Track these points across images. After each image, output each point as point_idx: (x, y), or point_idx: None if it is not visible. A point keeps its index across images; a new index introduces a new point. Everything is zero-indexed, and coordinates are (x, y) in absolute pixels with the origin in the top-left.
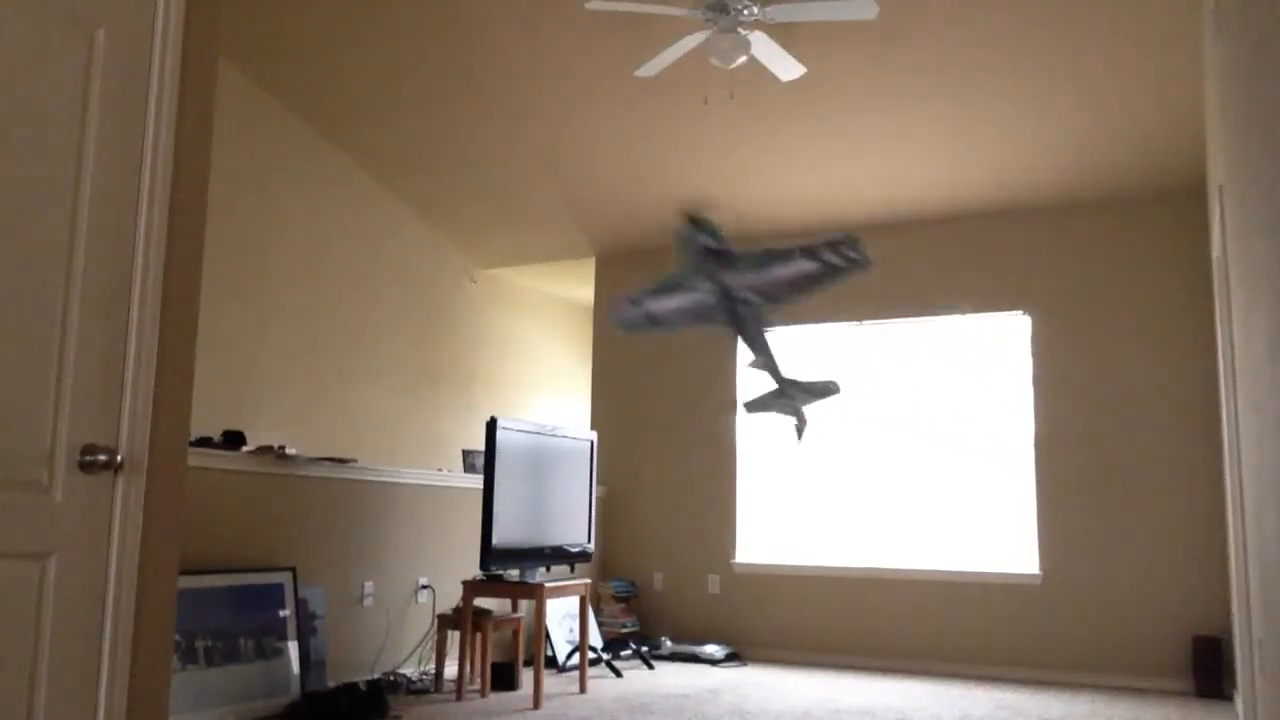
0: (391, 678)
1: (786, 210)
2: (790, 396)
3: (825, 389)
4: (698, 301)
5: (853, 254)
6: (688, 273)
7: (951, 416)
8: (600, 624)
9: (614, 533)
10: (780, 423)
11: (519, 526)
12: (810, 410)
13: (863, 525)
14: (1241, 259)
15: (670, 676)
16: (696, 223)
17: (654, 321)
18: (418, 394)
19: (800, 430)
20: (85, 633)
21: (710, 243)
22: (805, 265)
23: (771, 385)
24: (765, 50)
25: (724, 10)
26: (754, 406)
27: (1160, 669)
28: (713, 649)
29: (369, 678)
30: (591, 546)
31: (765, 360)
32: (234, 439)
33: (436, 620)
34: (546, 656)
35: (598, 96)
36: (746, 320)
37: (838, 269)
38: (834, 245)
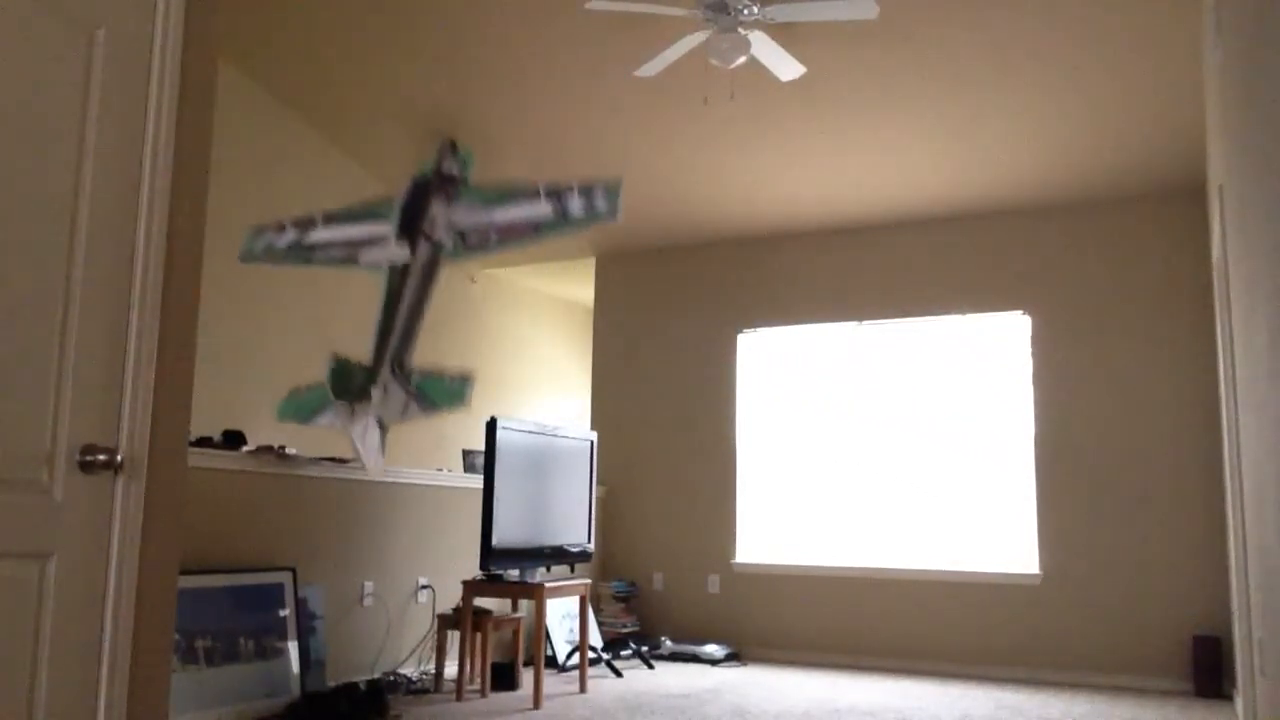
0: (391, 678)
1: (787, 210)
2: (389, 393)
3: (458, 393)
4: (371, 234)
5: (602, 204)
6: (384, 204)
7: (951, 416)
8: (600, 624)
9: (614, 533)
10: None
11: (519, 526)
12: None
13: (862, 525)
14: (1241, 259)
15: (670, 676)
16: (454, 148)
17: (299, 252)
18: None
19: (372, 440)
20: (85, 633)
21: (453, 170)
22: (540, 209)
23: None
24: (765, 50)
25: (724, 10)
26: (294, 405)
27: (1160, 669)
28: (713, 649)
29: (369, 678)
30: (591, 546)
31: (407, 320)
32: (234, 439)
33: (436, 620)
34: (546, 656)
35: (598, 96)
36: (418, 263)
37: (575, 221)
38: (587, 191)
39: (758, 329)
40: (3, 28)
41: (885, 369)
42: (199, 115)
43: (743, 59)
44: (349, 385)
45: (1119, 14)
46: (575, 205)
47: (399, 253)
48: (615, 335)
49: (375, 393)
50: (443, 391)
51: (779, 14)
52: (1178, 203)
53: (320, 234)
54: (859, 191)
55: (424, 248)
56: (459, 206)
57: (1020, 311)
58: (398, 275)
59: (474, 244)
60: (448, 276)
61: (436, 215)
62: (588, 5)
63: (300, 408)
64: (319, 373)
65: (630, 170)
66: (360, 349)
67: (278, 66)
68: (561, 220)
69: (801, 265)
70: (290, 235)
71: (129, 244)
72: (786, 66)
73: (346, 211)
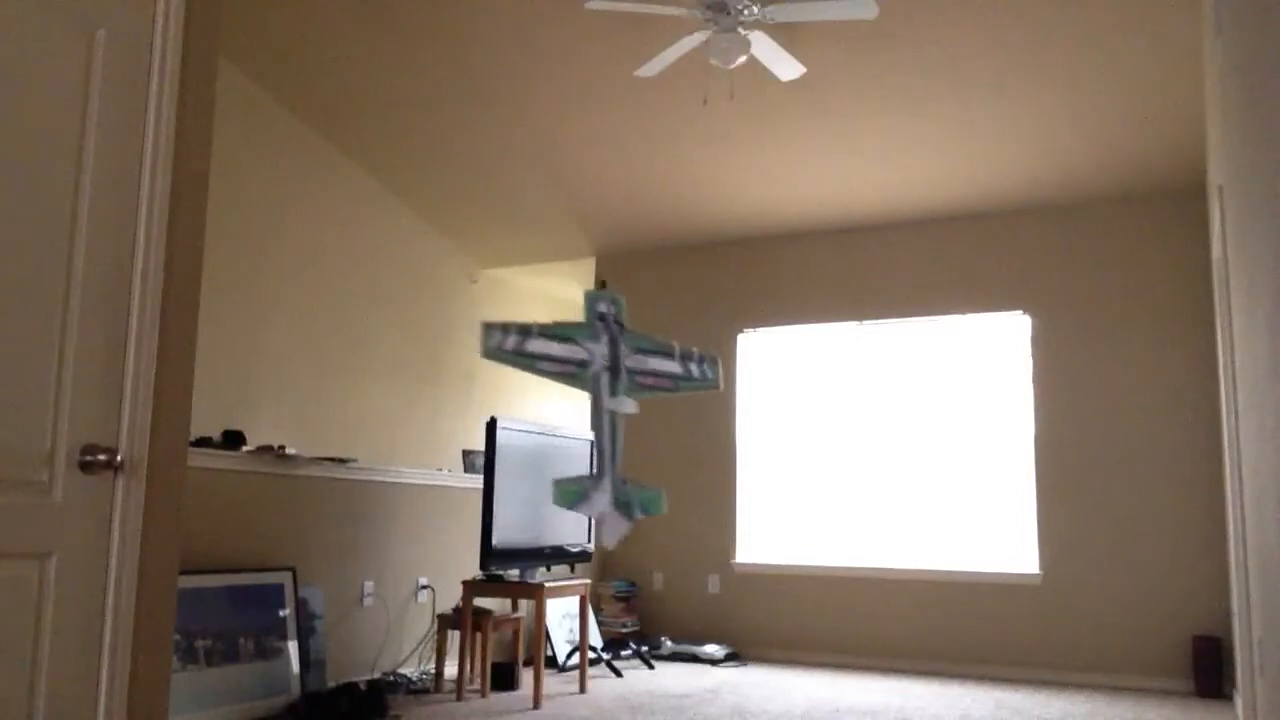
0: (391, 678)
1: (786, 210)
2: (615, 496)
3: (655, 501)
4: (573, 355)
5: (710, 373)
6: (584, 329)
7: (951, 416)
8: (600, 624)
9: None
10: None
11: (519, 526)
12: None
13: (863, 525)
14: (1241, 259)
15: (670, 676)
16: (604, 288)
17: (520, 357)
18: (418, 394)
19: (611, 534)
20: (85, 633)
21: (611, 311)
22: (670, 365)
23: (589, 472)
24: (765, 50)
25: (724, 10)
26: (563, 493)
27: (1160, 669)
28: (713, 649)
29: (369, 678)
30: (591, 546)
31: (612, 441)
32: (234, 439)
33: (436, 620)
34: (546, 656)
35: (598, 97)
36: (618, 389)
37: (692, 380)
38: (700, 360)
39: (758, 329)
40: (3, 28)
41: (885, 369)
42: (199, 115)
43: (743, 59)
44: (584, 487)
45: (1119, 14)
46: (693, 369)
47: (598, 379)
48: None
49: (606, 489)
50: (649, 499)
51: (779, 14)
52: (1178, 203)
53: (535, 344)
54: (859, 191)
55: (624, 378)
56: (627, 348)
57: (1020, 311)
58: (606, 394)
59: (641, 384)
60: (448, 276)
61: (620, 351)
62: (588, 5)
63: (565, 496)
64: (319, 372)
65: (630, 170)
66: (358, 349)
67: (278, 66)
68: (686, 379)
69: (801, 265)
70: (513, 340)
71: (129, 244)
72: (786, 66)
73: (549, 330)
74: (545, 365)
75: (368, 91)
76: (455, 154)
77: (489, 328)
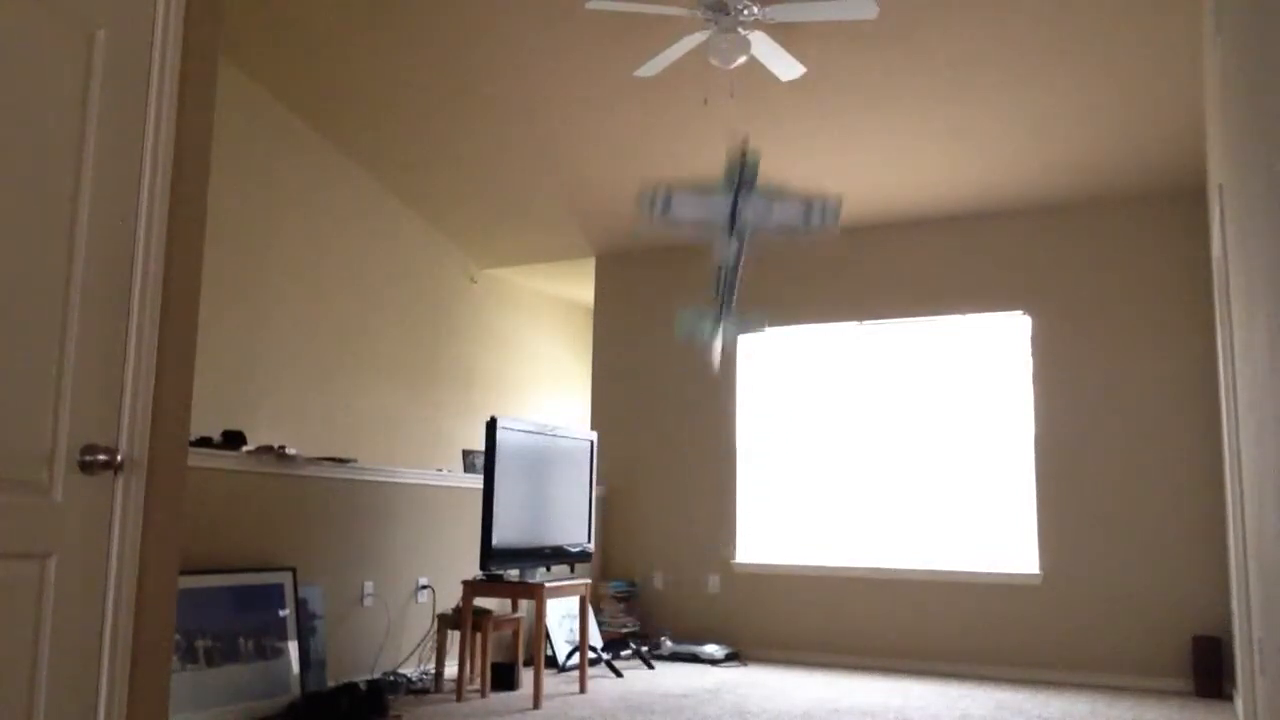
0: (391, 678)
1: None
2: (725, 325)
3: (757, 323)
4: (711, 213)
5: (831, 218)
6: (716, 185)
7: (951, 416)
8: (600, 624)
9: (614, 533)
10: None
11: (519, 526)
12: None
13: (862, 525)
14: (1241, 259)
15: (670, 676)
16: (745, 154)
17: (670, 221)
18: (418, 394)
19: (711, 349)
20: (85, 633)
21: (747, 175)
22: (794, 213)
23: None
24: (765, 50)
25: (724, 10)
26: (685, 325)
27: (1160, 669)
28: (713, 649)
29: (369, 678)
30: (591, 546)
31: (729, 281)
32: (234, 439)
33: (436, 620)
34: (546, 656)
35: (598, 96)
36: (735, 242)
37: (812, 226)
38: (822, 206)
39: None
40: (3, 28)
41: (885, 369)
42: (199, 115)
43: (743, 59)
44: (705, 319)
45: (1119, 14)
46: (815, 217)
47: (725, 235)
48: (615, 335)
49: (722, 322)
50: (754, 321)
51: (779, 14)
52: (1178, 203)
53: (676, 210)
54: (859, 191)
55: (739, 231)
56: (754, 201)
57: (1020, 311)
58: (726, 246)
59: (757, 227)
60: (447, 276)
61: (742, 205)
62: (588, 5)
63: (683, 323)
64: (319, 372)
65: (631, 170)
66: (358, 350)
67: (278, 66)
68: (806, 227)
69: (801, 265)
70: (660, 206)
71: (129, 244)
72: (786, 66)
73: (693, 188)
74: (686, 229)
75: (368, 91)
76: (455, 154)
77: (644, 194)
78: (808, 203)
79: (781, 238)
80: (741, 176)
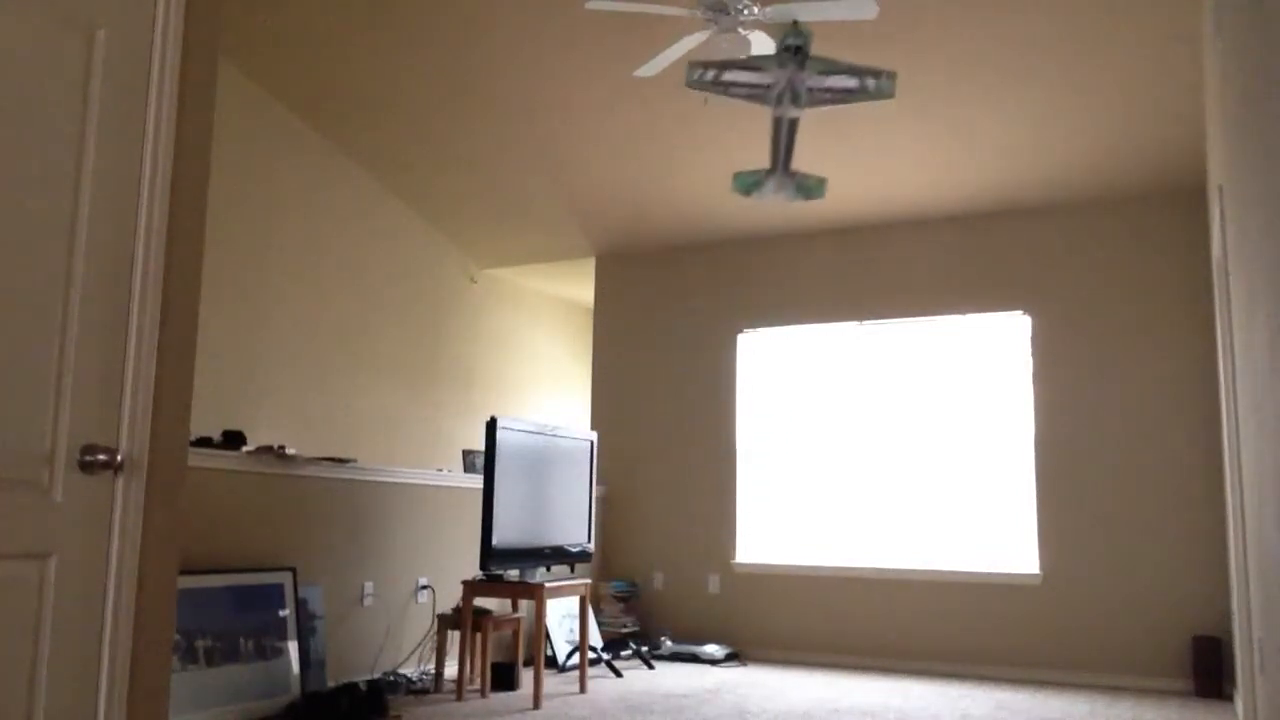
0: (391, 678)
1: (787, 210)
2: (783, 184)
3: (817, 187)
4: (761, 80)
5: (886, 87)
6: (767, 59)
7: (951, 416)
8: (600, 624)
9: (614, 533)
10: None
11: (519, 526)
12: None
13: (863, 525)
14: (1241, 259)
15: (670, 676)
16: (798, 26)
17: (720, 87)
18: (418, 394)
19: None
20: (85, 633)
21: (799, 42)
22: (849, 81)
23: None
24: (765, 50)
25: (724, 10)
26: (746, 185)
27: (1160, 669)
28: (713, 649)
29: (369, 678)
30: (591, 546)
31: (785, 146)
32: (234, 439)
33: (436, 620)
34: (546, 656)
35: (598, 96)
36: (787, 109)
37: (868, 92)
38: (876, 74)
39: (758, 329)
40: (2, 28)
41: (885, 369)
42: (199, 115)
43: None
44: (760, 178)
45: (1119, 14)
46: (870, 82)
47: (786, 104)
48: (615, 335)
49: (778, 181)
50: (812, 185)
51: (779, 14)
52: (1178, 203)
53: (730, 74)
54: (859, 191)
55: (792, 98)
56: (808, 71)
57: (1020, 311)
58: (786, 113)
59: (815, 99)
60: (448, 276)
61: (797, 75)
62: (588, 5)
63: (741, 183)
64: (319, 372)
65: (630, 170)
66: (358, 350)
67: (278, 66)
68: (861, 92)
69: (801, 265)
70: (713, 72)
71: (129, 244)
72: None
73: (742, 61)
74: (737, 90)
75: (368, 91)
76: (455, 154)
77: (692, 65)
78: (860, 75)
79: (837, 99)
80: (796, 49)
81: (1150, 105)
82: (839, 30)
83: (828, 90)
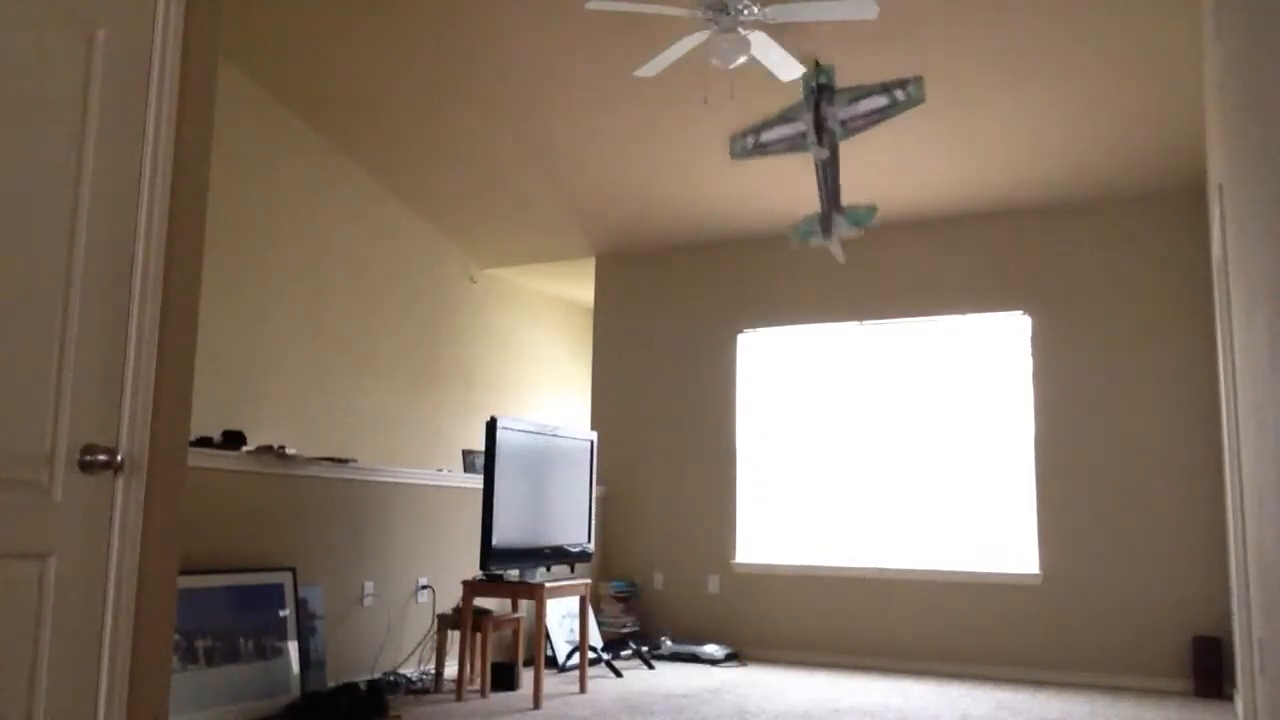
0: (391, 678)
1: (787, 210)
2: (837, 222)
3: (868, 215)
4: (796, 130)
5: (915, 92)
6: (797, 106)
7: (951, 416)
8: (600, 624)
9: (614, 533)
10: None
11: (519, 526)
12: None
13: (863, 525)
14: (1241, 259)
15: (670, 676)
16: (820, 66)
17: (761, 150)
18: (418, 394)
19: (832, 248)
20: (85, 633)
21: (823, 81)
22: (879, 100)
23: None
24: (765, 50)
25: (724, 10)
26: (804, 234)
27: (1160, 669)
28: (713, 649)
29: (369, 678)
30: (591, 546)
31: (831, 184)
32: (234, 439)
33: (436, 620)
34: (546, 656)
35: (598, 96)
36: (826, 146)
37: (899, 104)
38: (903, 84)
39: (758, 329)
40: (3, 28)
41: (885, 369)
42: (199, 116)
43: (743, 59)
44: (815, 223)
45: (1119, 14)
46: (899, 94)
47: (819, 147)
48: (615, 335)
49: (833, 220)
50: (862, 215)
51: (779, 14)
52: (1178, 203)
53: (766, 135)
54: (859, 191)
55: (827, 135)
56: (836, 106)
57: (1020, 311)
58: (820, 155)
59: (851, 128)
60: (448, 276)
61: (826, 113)
62: (588, 5)
63: (799, 234)
64: (319, 372)
65: (630, 170)
66: (358, 350)
67: (278, 66)
68: (895, 105)
69: (801, 265)
70: (751, 140)
71: (129, 244)
72: (786, 66)
73: (773, 119)
74: (777, 147)
75: (368, 91)
76: (455, 154)
77: (734, 139)
78: (889, 90)
79: (873, 121)
80: (820, 88)
81: (1150, 105)
82: (839, 30)
83: (862, 116)
